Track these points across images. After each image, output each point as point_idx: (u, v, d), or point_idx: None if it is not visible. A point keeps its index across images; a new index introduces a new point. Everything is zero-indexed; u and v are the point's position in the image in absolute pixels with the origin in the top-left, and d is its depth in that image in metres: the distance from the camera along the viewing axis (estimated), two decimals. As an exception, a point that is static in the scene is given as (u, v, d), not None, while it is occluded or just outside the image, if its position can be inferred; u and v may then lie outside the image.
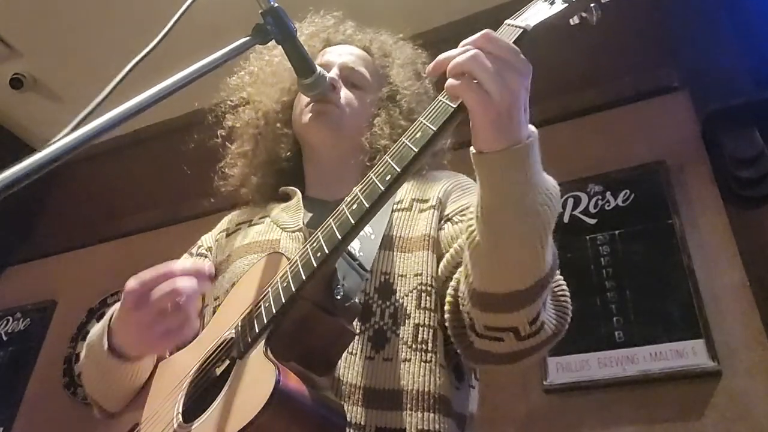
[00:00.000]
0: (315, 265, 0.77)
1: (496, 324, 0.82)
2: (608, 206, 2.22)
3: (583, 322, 2.02)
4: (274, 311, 0.79)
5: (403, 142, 0.74)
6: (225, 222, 1.26)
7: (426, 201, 1.05)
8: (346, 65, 1.20)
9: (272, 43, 1.27)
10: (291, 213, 1.11)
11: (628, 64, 2.45)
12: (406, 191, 1.09)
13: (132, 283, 0.84)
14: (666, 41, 2.40)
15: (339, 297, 0.79)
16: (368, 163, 1.11)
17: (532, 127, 0.73)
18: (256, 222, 1.16)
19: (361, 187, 0.77)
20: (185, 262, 0.90)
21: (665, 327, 1.93)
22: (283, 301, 0.79)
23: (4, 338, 3.27)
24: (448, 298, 0.91)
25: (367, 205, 0.74)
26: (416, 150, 0.72)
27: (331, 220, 0.79)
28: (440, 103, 0.73)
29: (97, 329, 0.98)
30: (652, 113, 2.34)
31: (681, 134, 2.25)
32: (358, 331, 0.92)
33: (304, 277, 0.77)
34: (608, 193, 2.24)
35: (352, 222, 0.75)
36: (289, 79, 1.23)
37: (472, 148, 0.74)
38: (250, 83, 1.27)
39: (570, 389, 1.98)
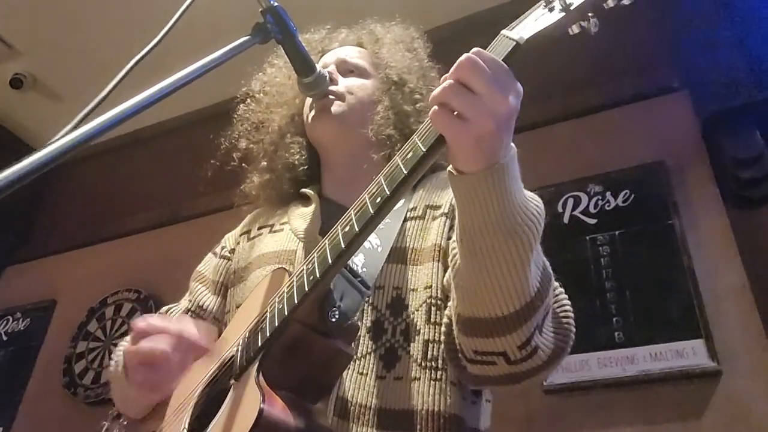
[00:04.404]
0: (307, 288, 0.76)
1: (483, 348, 0.79)
2: (608, 206, 2.22)
3: (583, 323, 1.99)
4: (267, 334, 0.79)
5: (396, 161, 0.72)
6: (247, 222, 1.25)
7: (438, 207, 1.02)
8: (341, 59, 1.21)
9: (272, 58, 1.29)
10: (307, 220, 1.10)
11: (629, 65, 2.45)
12: (420, 197, 1.06)
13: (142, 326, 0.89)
14: (666, 41, 2.40)
15: (334, 319, 0.77)
16: (376, 157, 1.08)
17: (511, 144, 0.71)
18: (277, 228, 1.15)
19: (355, 207, 0.76)
20: (193, 336, 0.91)
21: (665, 327, 1.93)
22: (276, 324, 0.78)
23: (4, 338, 3.28)
24: (444, 320, 0.89)
25: (357, 229, 0.73)
26: (406, 172, 0.70)
27: (326, 240, 0.78)
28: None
29: (116, 356, 1.05)
30: (653, 113, 2.34)
31: (681, 134, 2.25)
32: (370, 349, 0.91)
33: (296, 301, 0.77)
34: (608, 193, 2.24)
35: (343, 246, 0.74)
36: (292, 92, 1.24)
37: (449, 168, 0.72)
38: (259, 109, 1.27)
39: (570, 390, 1.97)
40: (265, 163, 1.22)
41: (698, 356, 1.86)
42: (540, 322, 0.78)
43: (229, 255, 1.20)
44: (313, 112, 1.15)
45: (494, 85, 0.65)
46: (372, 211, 0.72)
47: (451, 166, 0.72)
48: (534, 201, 0.75)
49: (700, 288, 1.95)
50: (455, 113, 0.66)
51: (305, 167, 1.19)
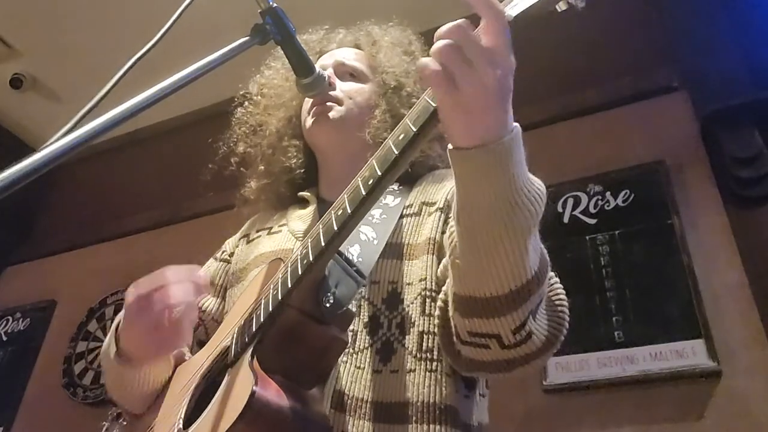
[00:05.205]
0: (300, 272, 0.76)
1: (477, 330, 0.78)
2: (608, 206, 2.22)
3: (583, 322, 2.02)
4: (261, 320, 0.79)
5: (388, 143, 0.72)
6: (247, 226, 1.26)
7: (434, 204, 1.02)
8: (339, 62, 1.21)
9: (269, 60, 1.29)
10: (305, 221, 1.11)
11: (628, 64, 2.45)
12: (416, 195, 1.06)
13: (130, 296, 0.89)
14: (666, 41, 2.40)
15: (328, 305, 0.77)
16: None
17: (515, 125, 0.69)
18: (275, 230, 1.15)
19: (348, 191, 0.75)
20: (180, 270, 0.90)
21: (665, 327, 1.93)
22: (270, 309, 0.78)
23: (4, 338, 3.28)
24: (439, 303, 0.89)
25: (350, 211, 0.72)
26: (397, 152, 0.69)
27: (320, 225, 0.78)
28: (423, 101, 0.70)
29: (107, 338, 1.02)
30: (652, 113, 2.34)
31: (680, 134, 2.25)
32: (367, 344, 0.91)
33: (290, 285, 0.77)
34: (608, 193, 2.24)
35: (335, 228, 0.73)
36: (289, 94, 1.24)
37: (449, 144, 0.71)
38: (257, 112, 1.27)
39: (569, 389, 1.97)
40: (263, 167, 1.22)
41: (698, 356, 1.86)
42: (535, 308, 0.77)
43: (228, 258, 1.21)
44: (311, 118, 1.15)
45: (486, 55, 0.64)
46: (364, 193, 0.71)
47: (450, 144, 0.71)
48: (536, 183, 0.73)
49: (700, 287, 1.95)
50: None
51: (302, 171, 1.19)
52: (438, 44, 0.65)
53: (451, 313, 0.83)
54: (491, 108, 0.66)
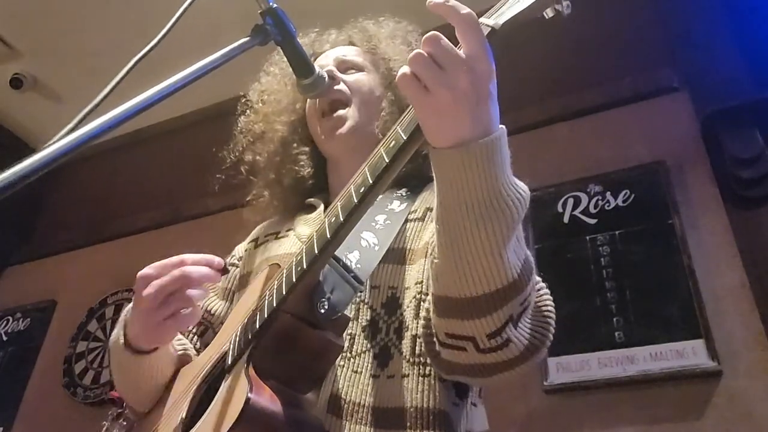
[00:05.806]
0: (294, 279, 0.77)
1: (453, 331, 0.77)
2: (608, 206, 2.22)
3: (583, 323, 2.02)
4: (257, 326, 0.80)
5: (380, 151, 0.73)
6: (256, 232, 1.27)
7: None
8: (339, 59, 1.21)
9: (266, 66, 1.29)
10: (311, 226, 1.10)
11: (628, 65, 2.45)
12: (422, 200, 1.06)
13: (145, 269, 0.90)
14: (666, 41, 2.40)
15: (323, 310, 0.78)
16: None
17: (500, 127, 0.69)
18: (282, 235, 1.16)
19: (341, 198, 0.76)
20: (196, 254, 0.92)
21: (665, 327, 1.93)
22: (266, 315, 0.79)
23: (4, 338, 3.28)
24: (426, 305, 0.88)
25: (342, 219, 0.73)
26: (387, 160, 0.70)
27: (315, 232, 0.78)
28: (413, 108, 0.71)
29: (116, 329, 1.02)
30: (652, 113, 2.34)
31: (681, 134, 2.25)
32: (365, 348, 0.91)
33: (284, 292, 0.78)
34: (608, 193, 2.24)
35: (328, 236, 0.74)
36: (288, 99, 1.24)
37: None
38: (259, 119, 1.27)
39: (570, 389, 1.98)
40: (272, 175, 1.22)
41: (698, 356, 1.86)
42: (516, 315, 0.75)
43: (237, 263, 1.22)
44: (323, 136, 1.15)
45: (458, 60, 0.65)
46: (356, 201, 0.73)
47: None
48: (519, 189, 0.72)
49: (700, 288, 1.95)
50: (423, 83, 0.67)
51: (313, 180, 1.19)
52: (412, 53, 0.67)
53: (431, 316, 0.82)
54: (464, 111, 0.66)
